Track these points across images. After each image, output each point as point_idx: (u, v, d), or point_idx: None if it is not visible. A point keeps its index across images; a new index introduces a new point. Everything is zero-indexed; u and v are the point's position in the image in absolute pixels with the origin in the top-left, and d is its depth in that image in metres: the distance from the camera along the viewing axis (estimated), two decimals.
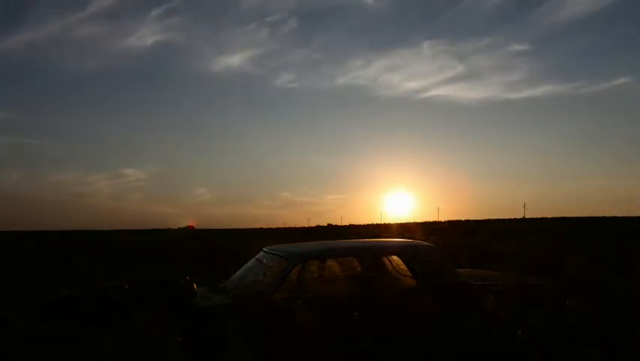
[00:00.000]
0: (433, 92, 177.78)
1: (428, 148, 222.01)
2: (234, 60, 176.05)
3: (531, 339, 4.60)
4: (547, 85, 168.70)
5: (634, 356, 4.49)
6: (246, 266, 5.22)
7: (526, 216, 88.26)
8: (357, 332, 4.27)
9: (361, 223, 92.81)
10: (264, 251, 5.15)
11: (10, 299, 6.74)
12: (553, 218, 69.42)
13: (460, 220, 79.45)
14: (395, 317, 4.40)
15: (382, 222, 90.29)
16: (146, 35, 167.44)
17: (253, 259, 5.21)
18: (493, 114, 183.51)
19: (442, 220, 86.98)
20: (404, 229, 51.99)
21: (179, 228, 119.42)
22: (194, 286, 4.43)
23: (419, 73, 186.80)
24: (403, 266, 4.86)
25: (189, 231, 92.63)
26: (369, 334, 4.31)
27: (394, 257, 4.99)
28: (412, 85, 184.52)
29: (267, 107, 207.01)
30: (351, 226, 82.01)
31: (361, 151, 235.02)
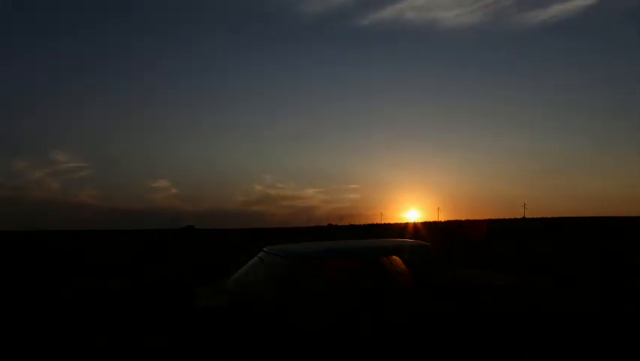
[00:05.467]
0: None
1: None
2: None
3: (530, 339, 4.61)
4: None
5: (634, 355, 4.51)
6: (246, 266, 5.23)
7: (527, 216, 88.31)
8: (357, 332, 4.28)
9: (362, 223, 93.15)
10: (264, 251, 5.16)
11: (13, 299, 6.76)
12: (553, 218, 69.44)
13: (460, 220, 79.40)
14: (395, 317, 4.41)
15: (382, 222, 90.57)
16: None
17: (253, 259, 5.21)
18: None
19: (442, 220, 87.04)
20: (403, 229, 51.97)
21: (180, 228, 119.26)
22: (194, 286, 4.44)
23: None
24: (402, 266, 4.87)
25: (191, 230, 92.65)
26: (369, 334, 4.32)
27: (394, 257, 5.00)
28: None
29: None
30: (351, 226, 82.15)
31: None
